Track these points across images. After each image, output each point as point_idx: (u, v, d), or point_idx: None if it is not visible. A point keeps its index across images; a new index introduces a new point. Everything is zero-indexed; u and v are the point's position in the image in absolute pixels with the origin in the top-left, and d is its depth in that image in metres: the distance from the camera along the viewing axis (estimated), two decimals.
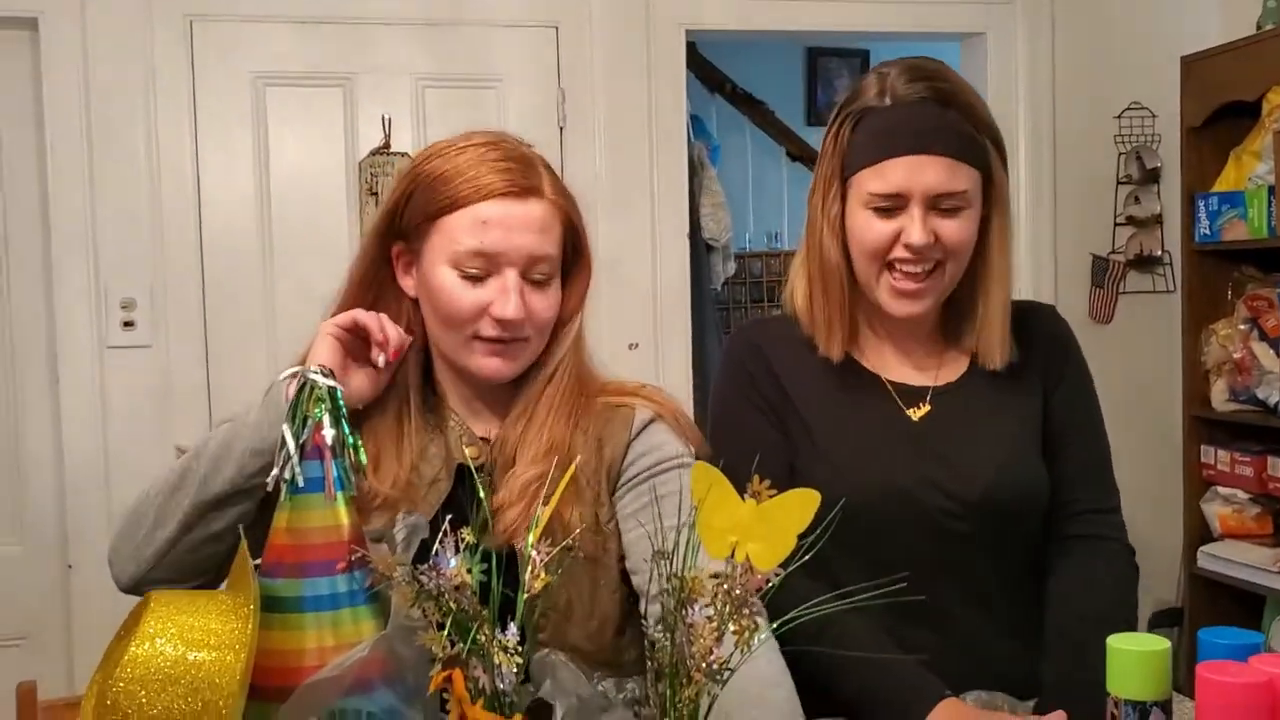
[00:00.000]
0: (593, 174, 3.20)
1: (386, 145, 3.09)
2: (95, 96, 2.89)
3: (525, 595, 0.90)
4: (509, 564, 1.05)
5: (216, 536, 1.31)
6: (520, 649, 0.88)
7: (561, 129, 3.19)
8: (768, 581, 0.87)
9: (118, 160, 2.91)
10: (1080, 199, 3.57)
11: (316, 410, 1.12)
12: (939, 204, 1.39)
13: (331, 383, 1.14)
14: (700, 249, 3.79)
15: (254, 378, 1.31)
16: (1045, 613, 1.48)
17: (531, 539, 0.94)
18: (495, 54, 3.16)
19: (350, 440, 1.14)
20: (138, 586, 1.33)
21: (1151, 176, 3.56)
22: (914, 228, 1.38)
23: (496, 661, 0.86)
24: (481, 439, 1.40)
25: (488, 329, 1.34)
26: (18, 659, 2.73)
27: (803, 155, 5.12)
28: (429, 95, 3.13)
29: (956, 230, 1.41)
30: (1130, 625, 1.42)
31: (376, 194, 3.00)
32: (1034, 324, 1.55)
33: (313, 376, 1.14)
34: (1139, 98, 3.54)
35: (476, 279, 1.33)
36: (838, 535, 0.91)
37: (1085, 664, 1.31)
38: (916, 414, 1.49)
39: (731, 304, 5.11)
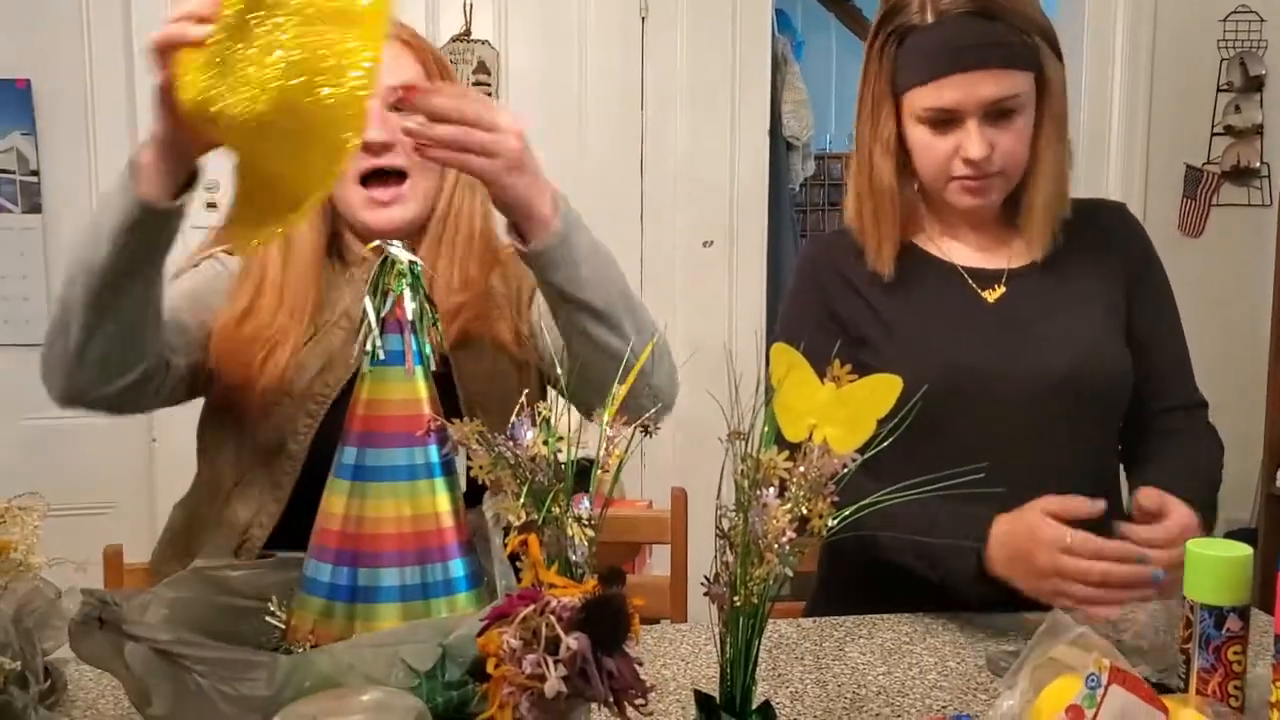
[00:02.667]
0: (674, 65, 3.15)
1: (467, 32, 3.07)
2: None
3: (599, 470, 0.91)
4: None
5: (128, 324, 1.30)
6: (594, 521, 0.89)
7: (644, 18, 3.13)
8: (844, 466, 0.87)
9: None
10: (1177, 106, 3.45)
11: (398, 284, 1.13)
12: (994, 110, 1.40)
13: (412, 257, 1.14)
14: (780, 147, 3.72)
15: None
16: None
17: (607, 416, 0.94)
18: None
19: (431, 315, 1.15)
20: (71, 397, 1.33)
21: (1254, 84, 3.42)
22: (971, 142, 1.40)
23: (570, 533, 0.87)
24: None
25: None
26: (105, 525, 2.82)
27: None
28: None
29: (1012, 140, 1.42)
30: (1215, 490, 1.45)
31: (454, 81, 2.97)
32: (1108, 221, 1.55)
33: (393, 251, 1.14)
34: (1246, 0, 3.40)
35: None
36: (912, 423, 0.90)
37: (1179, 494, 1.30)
38: (992, 295, 1.49)
39: (809, 206, 5.05)
